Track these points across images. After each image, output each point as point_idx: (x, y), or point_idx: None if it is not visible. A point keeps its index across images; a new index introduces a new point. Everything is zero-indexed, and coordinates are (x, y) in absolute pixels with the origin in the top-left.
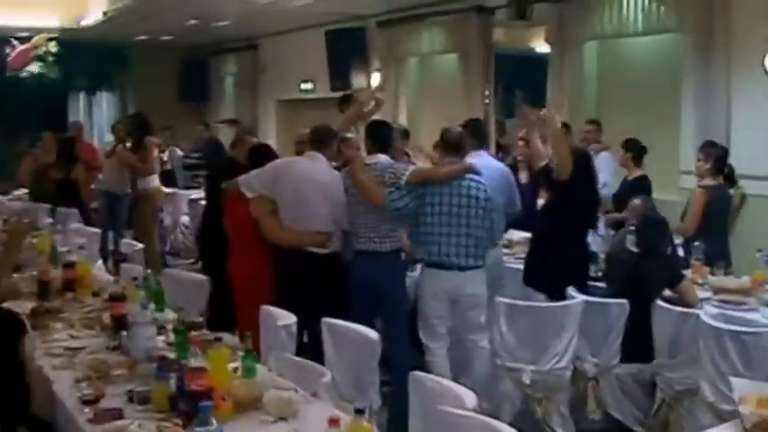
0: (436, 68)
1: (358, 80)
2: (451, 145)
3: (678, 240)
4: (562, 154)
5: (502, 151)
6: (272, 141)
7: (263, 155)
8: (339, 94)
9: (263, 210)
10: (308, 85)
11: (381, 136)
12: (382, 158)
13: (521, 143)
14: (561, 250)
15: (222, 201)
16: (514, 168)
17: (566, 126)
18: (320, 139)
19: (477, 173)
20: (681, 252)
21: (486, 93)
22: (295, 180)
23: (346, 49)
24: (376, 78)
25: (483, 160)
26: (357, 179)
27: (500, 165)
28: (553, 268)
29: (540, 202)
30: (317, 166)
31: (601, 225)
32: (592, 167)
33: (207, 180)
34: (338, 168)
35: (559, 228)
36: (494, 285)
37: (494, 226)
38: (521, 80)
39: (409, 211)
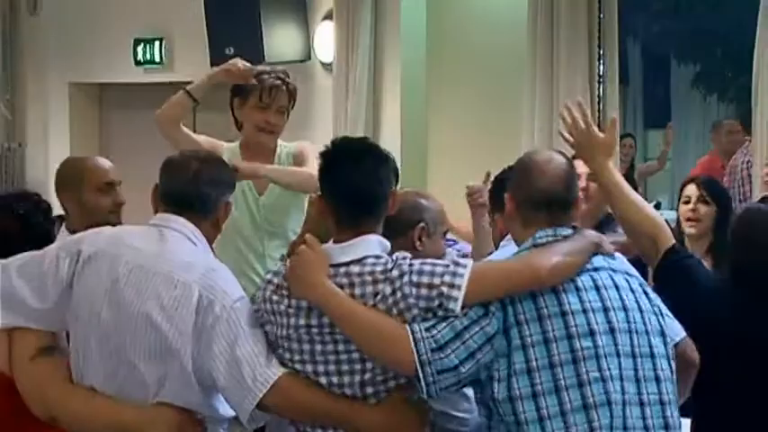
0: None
1: (281, 43)
2: (554, 196)
3: None
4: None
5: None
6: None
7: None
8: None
9: (23, 347)
10: (154, 54)
11: (366, 182)
12: (376, 243)
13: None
14: None
15: None
16: None
17: None
18: (183, 193)
19: (609, 253)
20: None
21: (601, 60)
22: (117, 280)
23: None
24: (325, 37)
25: None
26: (333, 310)
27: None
28: None
29: None
30: (175, 252)
31: None
32: None
33: None
34: None
35: None
36: None
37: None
38: None
39: (487, 372)
